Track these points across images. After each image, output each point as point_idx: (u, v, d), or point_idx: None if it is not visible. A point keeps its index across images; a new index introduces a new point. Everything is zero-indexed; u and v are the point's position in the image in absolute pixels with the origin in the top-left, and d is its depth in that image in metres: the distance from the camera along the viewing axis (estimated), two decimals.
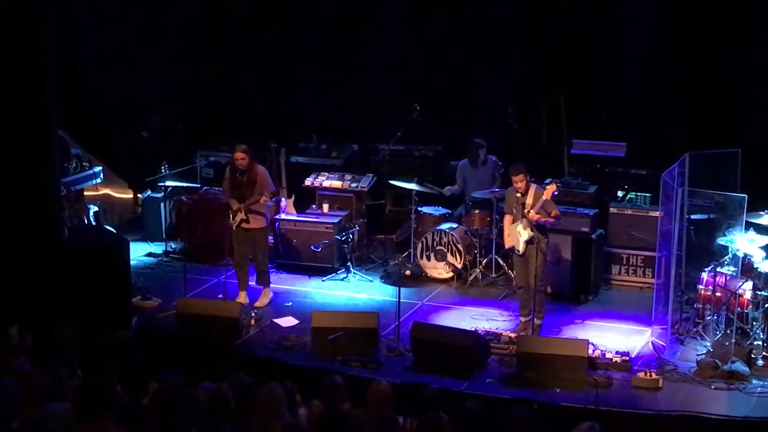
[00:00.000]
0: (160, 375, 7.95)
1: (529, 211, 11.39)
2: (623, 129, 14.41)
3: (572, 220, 12.76)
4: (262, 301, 12.55)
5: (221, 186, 12.89)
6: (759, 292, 11.05)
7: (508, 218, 11.74)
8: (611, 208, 13.45)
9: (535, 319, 11.59)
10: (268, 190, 12.28)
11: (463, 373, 10.55)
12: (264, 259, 12.61)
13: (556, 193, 11.61)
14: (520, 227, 11.50)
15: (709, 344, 11.04)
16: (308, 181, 14.53)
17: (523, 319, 11.76)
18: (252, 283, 12.65)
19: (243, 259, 12.48)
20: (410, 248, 13.72)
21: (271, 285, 12.72)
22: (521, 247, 11.53)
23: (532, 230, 11.42)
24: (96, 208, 14.48)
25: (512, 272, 12.89)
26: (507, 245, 11.85)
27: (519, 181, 11.49)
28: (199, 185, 14.86)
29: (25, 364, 8.38)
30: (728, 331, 10.89)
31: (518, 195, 11.54)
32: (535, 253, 11.40)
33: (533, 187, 11.57)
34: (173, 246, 14.41)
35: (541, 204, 11.37)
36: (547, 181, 12.83)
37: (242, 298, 12.43)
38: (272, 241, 13.42)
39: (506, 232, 11.75)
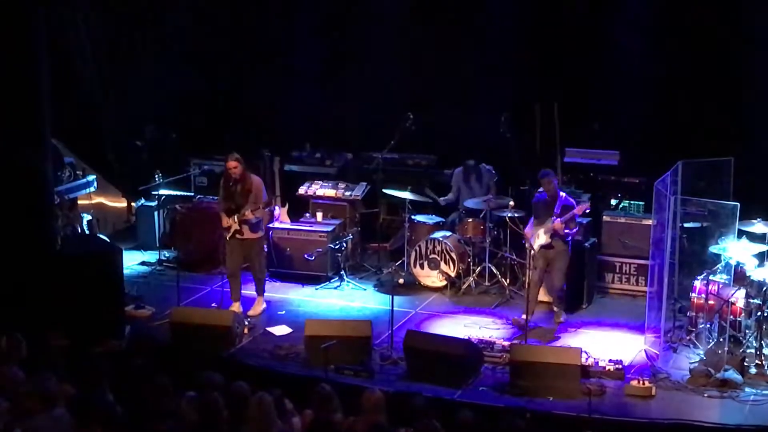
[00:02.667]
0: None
1: (555, 219, 11.87)
2: (616, 137, 14.42)
3: None
4: (256, 309, 12.53)
5: (217, 195, 12.88)
6: (751, 300, 11.06)
7: (535, 220, 12.25)
8: (604, 217, 13.45)
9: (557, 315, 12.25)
10: (261, 201, 12.26)
11: (456, 382, 10.54)
12: (261, 267, 12.63)
13: (588, 210, 12.35)
14: (541, 230, 12.02)
15: (701, 352, 11.04)
16: (302, 190, 14.52)
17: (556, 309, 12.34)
18: (252, 292, 12.66)
19: (236, 269, 12.46)
20: (404, 257, 13.72)
21: (264, 294, 12.71)
22: (536, 247, 12.06)
23: (550, 237, 11.92)
24: (89, 217, 14.49)
25: (505, 281, 13.04)
26: (527, 237, 12.30)
27: (545, 184, 12.07)
28: (192, 194, 14.83)
29: (18, 373, 8.37)
30: (721, 339, 10.90)
31: (547, 199, 12.05)
32: (556, 256, 12.01)
33: (562, 195, 12.10)
34: (167, 255, 14.37)
35: (570, 216, 11.86)
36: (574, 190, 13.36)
37: (236, 308, 12.41)
38: (266, 249, 13.41)
39: (530, 227, 12.27)
